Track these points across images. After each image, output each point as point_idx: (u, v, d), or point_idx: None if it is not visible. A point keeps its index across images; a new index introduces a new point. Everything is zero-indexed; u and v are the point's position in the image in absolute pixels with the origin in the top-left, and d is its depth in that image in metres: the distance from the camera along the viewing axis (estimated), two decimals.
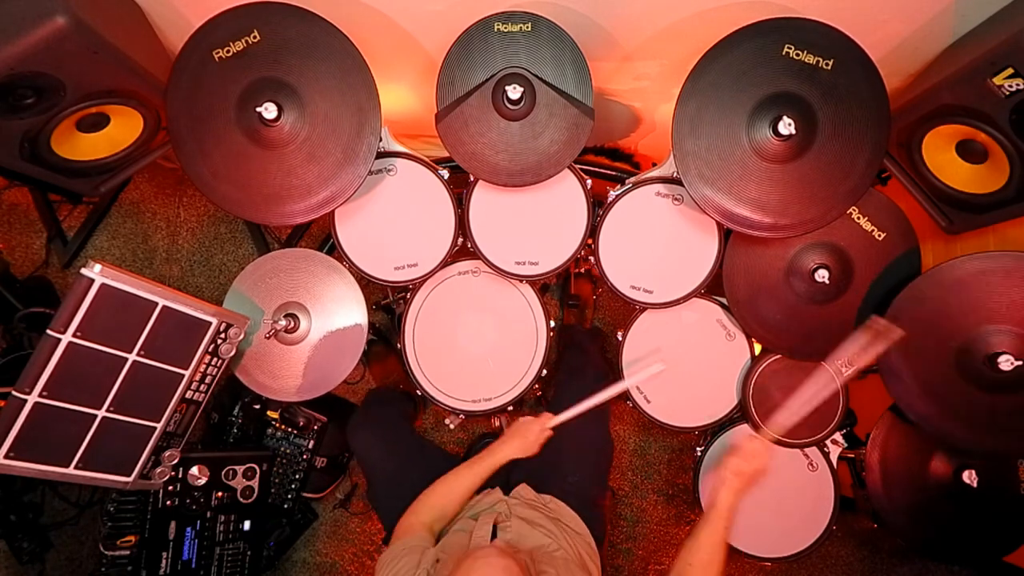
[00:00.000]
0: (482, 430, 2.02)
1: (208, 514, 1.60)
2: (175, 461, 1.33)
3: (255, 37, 1.18)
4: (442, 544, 1.14)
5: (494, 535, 1.14)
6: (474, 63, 1.24)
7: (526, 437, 1.29)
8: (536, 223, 1.43)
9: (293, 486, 1.86)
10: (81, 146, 1.35)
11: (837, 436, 1.50)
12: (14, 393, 1.05)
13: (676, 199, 1.41)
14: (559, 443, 1.42)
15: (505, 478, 1.33)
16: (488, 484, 1.35)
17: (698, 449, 1.56)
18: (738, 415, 1.52)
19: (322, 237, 2.05)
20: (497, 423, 1.89)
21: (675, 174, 1.30)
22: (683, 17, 1.27)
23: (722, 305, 1.50)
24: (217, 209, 2.10)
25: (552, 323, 1.52)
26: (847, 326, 1.34)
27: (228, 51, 1.19)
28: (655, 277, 1.44)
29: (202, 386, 1.30)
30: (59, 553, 1.88)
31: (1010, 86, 1.05)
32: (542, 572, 1.05)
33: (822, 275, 1.28)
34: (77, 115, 1.25)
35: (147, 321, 1.14)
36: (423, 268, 1.44)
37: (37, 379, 1.06)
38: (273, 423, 1.83)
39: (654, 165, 1.56)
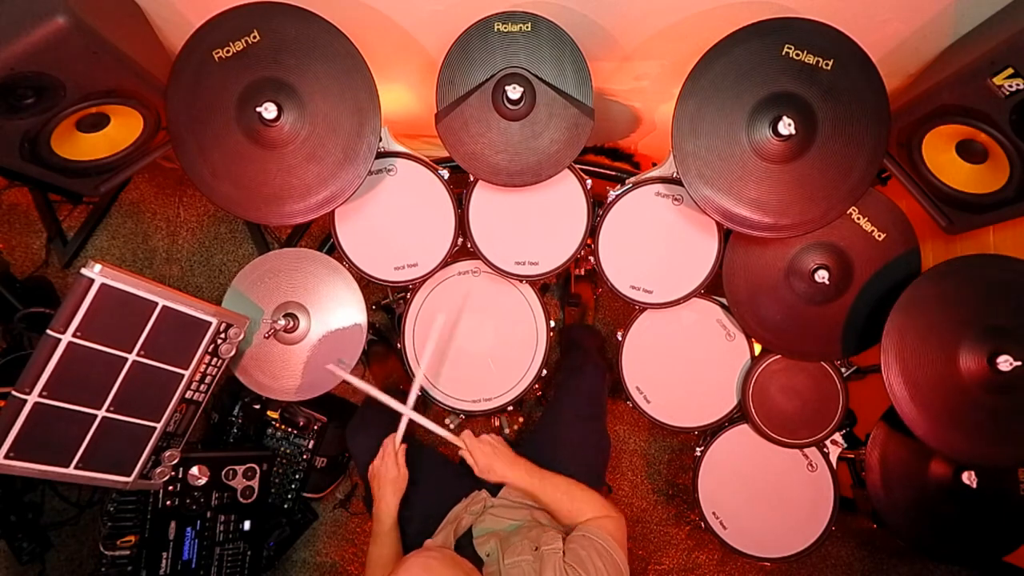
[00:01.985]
0: (482, 430, 2.02)
1: (208, 514, 1.60)
2: (175, 461, 1.33)
3: (255, 37, 1.18)
4: None
5: (468, 541, 1.17)
6: (474, 63, 1.24)
7: (389, 477, 1.28)
8: (536, 223, 1.43)
9: (293, 486, 1.86)
10: (81, 146, 1.35)
11: (837, 436, 1.50)
12: (14, 393, 1.05)
13: (676, 199, 1.41)
14: (556, 440, 1.43)
15: None
16: (474, 486, 1.35)
17: (698, 449, 1.56)
18: (738, 415, 1.52)
19: (322, 237, 2.05)
20: (497, 423, 1.89)
21: (675, 174, 1.30)
22: (683, 17, 1.27)
23: (722, 305, 1.50)
24: (217, 209, 2.10)
25: (552, 323, 1.52)
26: (847, 326, 1.34)
27: (228, 51, 1.19)
28: (655, 277, 1.44)
29: (202, 386, 1.30)
30: (59, 553, 1.88)
31: (1010, 86, 1.05)
32: (510, 544, 1.08)
33: (822, 276, 1.28)
34: (77, 115, 1.25)
35: (147, 321, 1.14)
36: (423, 268, 1.44)
37: (37, 379, 1.06)
38: (273, 423, 1.83)
39: (654, 165, 1.56)
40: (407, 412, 1.29)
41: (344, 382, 1.40)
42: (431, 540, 1.25)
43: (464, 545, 1.17)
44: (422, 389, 1.52)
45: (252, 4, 1.18)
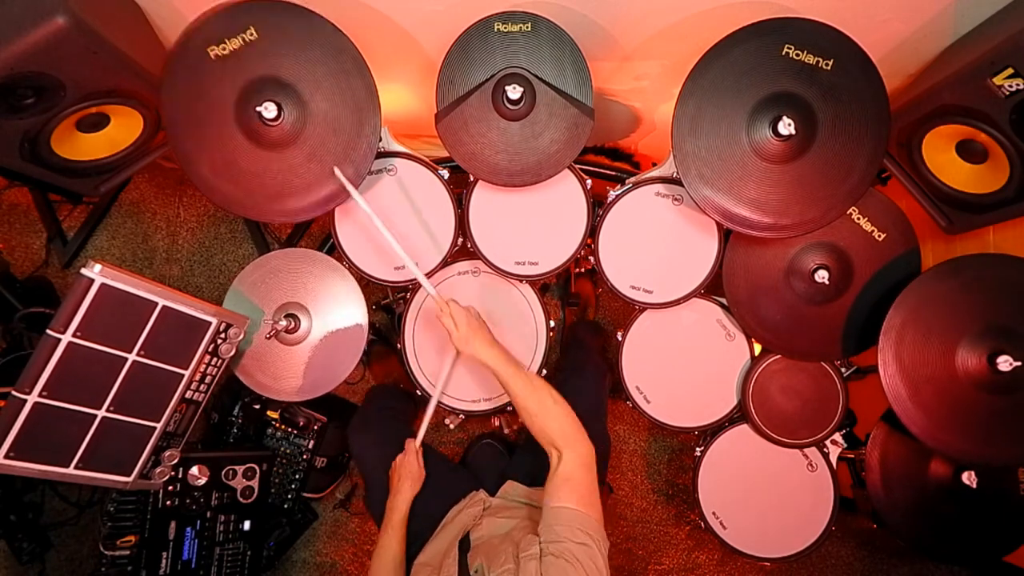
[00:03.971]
0: (481, 430, 2.02)
1: (208, 514, 1.60)
2: (175, 461, 1.33)
3: (252, 35, 1.18)
4: None
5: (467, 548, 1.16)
6: (474, 63, 1.23)
7: (410, 472, 1.32)
8: (536, 223, 1.43)
9: (293, 486, 1.86)
10: (81, 146, 1.35)
11: (837, 436, 1.50)
12: (14, 393, 1.05)
13: (676, 199, 1.41)
14: None
15: (498, 475, 1.33)
16: (473, 486, 1.35)
17: (698, 449, 1.56)
18: (738, 415, 1.52)
19: (322, 237, 2.05)
20: (497, 423, 1.88)
21: (675, 174, 1.30)
22: (683, 17, 1.27)
23: (722, 305, 1.50)
24: (217, 209, 2.10)
25: (552, 323, 1.52)
26: (847, 326, 1.34)
27: (224, 49, 1.17)
28: (655, 277, 1.44)
29: (202, 386, 1.30)
30: (59, 553, 1.88)
31: (1010, 86, 1.05)
32: (497, 554, 1.06)
33: (822, 275, 1.29)
34: (77, 115, 1.25)
35: (147, 321, 1.14)
36: (423, 268, 1.44)
37: (37, 379, 1.06)
38: (273, 423, 1.83)
39: (654, 165, 1.56)
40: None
41: (347, 382, 1.40)
42: (430, 546, 1.24)
43: (464, 550, 1.17)
44: (423, 390, 1.53)
45: (248, 1, 1.17)
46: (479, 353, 1.19)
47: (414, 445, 1.36)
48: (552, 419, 1.13)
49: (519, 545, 1.05)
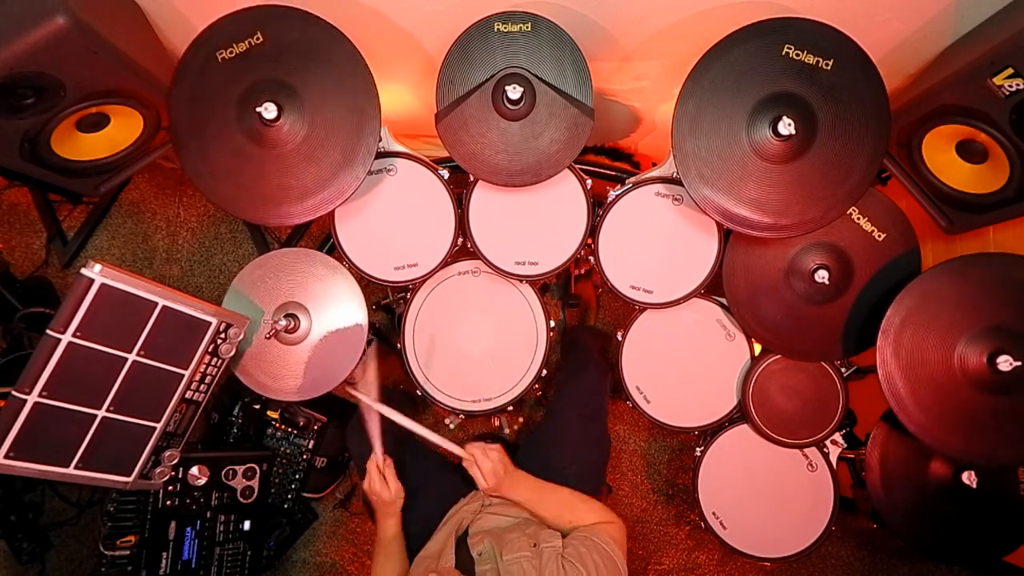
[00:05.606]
0: (482, 430, 2.02)
1: (208, 514, 1.60)
2: (175, 461, 1.32)
3: (258, 39, 1.19)
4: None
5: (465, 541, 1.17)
6: (474, 63, 1.23)
7: (381, 496, 1.24)
8: (536, 223, 1.43)
9: (293, 486, 1.86)
10: (81, 146, 1.35)
11: (837, 436, 1.50)
12: (14, 393, 1.05)
13: (676, 199, 1.41)
14: (557, 439, 1.43)
15: None
16: (473, 485, 1.35)
17: (698, 449, 1.56)
18: (738, 415, 1.52)
19: (322, 237, 2.06)
20: (497, 423, 1.89)
21: (675, 174, 1.30)
22: (683, 17, 1.27)
23: (722, 305, 1.50)
24: (217, 209, 2.10)
25: (552, 323, 1.52)
26: (847, 326, 1.34)
27: (231, 52, 1.19)
28: (655, 277, 1.44)
29: (202, 386, 1.30)
30: (59, 553, 1.88)
31: (1010, 86, 1.05)
32: (508, 541, 1.08)
33: (822, 275, 1.29)
34: (77, 115, 1.25)
35: (147, 321, 1.14)
36: (423, 268, 1.44)
37: (37, 379, 1.05)
38: (273, 423, 1.83)
39: (654, 165, 1.56)
40: (418, 428, 1.24)
41: (347, 382, 1.40)
42: (431, 542, 1.24)
43: (461, 542, 1.17)
44: (423, 390, 1.53)
45: (257, 7, 1.18)
46: (509, 495, 1.22)
47: (375, 469, 1.23)
48: (586, 513, 1.21)
49: (538, 536, 1.08)
